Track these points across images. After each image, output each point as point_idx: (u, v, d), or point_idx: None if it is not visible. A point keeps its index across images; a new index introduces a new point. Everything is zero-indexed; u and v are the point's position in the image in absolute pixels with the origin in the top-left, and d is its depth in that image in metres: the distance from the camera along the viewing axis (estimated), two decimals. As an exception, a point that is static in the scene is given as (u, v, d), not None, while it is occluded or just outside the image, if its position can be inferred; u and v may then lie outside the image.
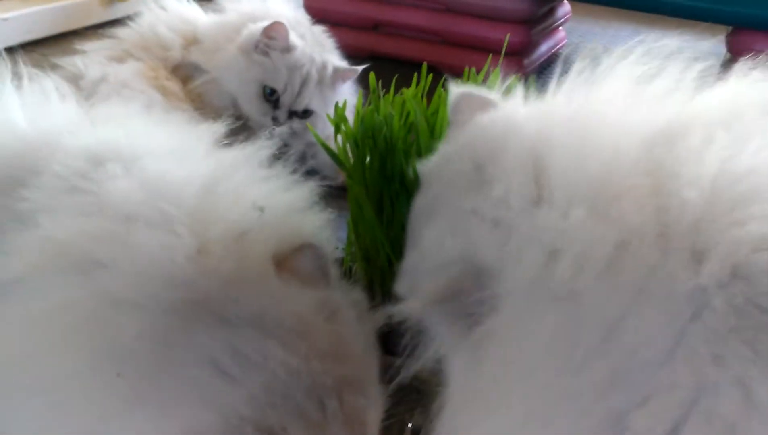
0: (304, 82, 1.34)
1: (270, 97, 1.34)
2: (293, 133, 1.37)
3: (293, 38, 1.36)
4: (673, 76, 0.61)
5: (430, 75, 0.69)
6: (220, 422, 0.56)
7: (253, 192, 0.67)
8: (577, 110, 0.60)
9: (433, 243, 0.60)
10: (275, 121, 1.34)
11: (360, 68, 1.39)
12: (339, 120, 0.65)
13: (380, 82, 0.79)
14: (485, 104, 0.65)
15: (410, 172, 0.63)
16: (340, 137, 0.67)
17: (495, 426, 0.51)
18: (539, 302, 0.51)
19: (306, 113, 1.37)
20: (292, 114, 1.36)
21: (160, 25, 1.39)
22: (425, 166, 0.62)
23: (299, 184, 0.70)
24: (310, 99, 1.36)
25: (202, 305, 0.58)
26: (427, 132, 0.62)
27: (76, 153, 0.65)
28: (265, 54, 1.33)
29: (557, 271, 0.50)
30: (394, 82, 0.69)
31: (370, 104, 0.68)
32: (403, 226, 0.65)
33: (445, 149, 0.63)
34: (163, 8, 1.44)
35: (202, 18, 1.45)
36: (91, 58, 1.32)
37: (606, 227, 0.49)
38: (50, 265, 0.58)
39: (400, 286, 0.65)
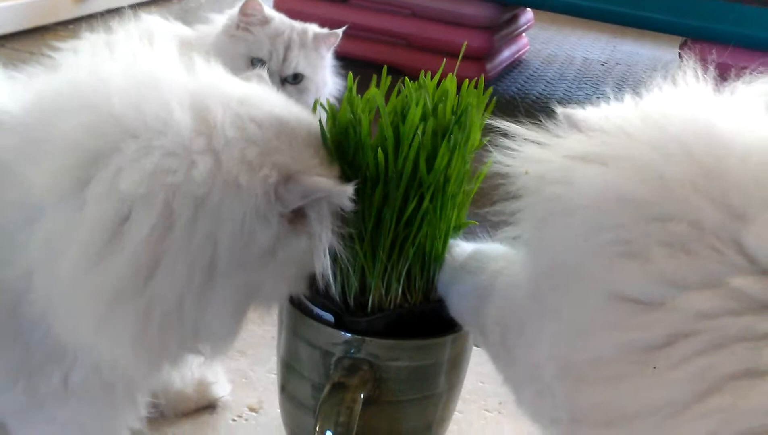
0: (288, 47, 1.41)
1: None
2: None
3: (268, 11, 1.44)
4: None
5: (389, 77, 0.74)
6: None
7: None
8: None
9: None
10: None
11: (340, 32, 1.45)
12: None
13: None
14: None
15: (373, 165, 0.68)
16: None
17: None
18: None
19: (297, 78, 1.44)
20: (284, 81, 1.43)
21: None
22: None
23: None
24: (297, 62, 1.43)
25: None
26: (390, 128, 0.67)
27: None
28: (247, 30, 1.41)
29: None
30: (355, 83, 0.73)
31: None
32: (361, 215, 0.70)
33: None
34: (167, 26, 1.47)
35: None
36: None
37: None
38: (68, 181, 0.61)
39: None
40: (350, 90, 0.72)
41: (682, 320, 0.50)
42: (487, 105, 0.73)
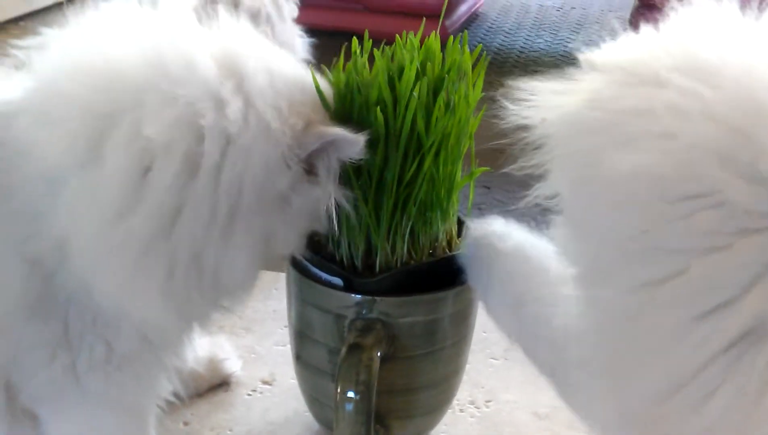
0: (271, 25, 1.36)
1: None
2: None
3: None
4: None
5: (370, 41, 0.74)
6: None
7: None
8: None
9: None
10: None
11: None
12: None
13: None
14: None
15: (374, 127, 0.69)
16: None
17: None
18: None
19: None
20: None
21: None
22: None
23: None
24: (280, 37, 1.37)
25: None
26: (388, 89, 0.69)
27: None
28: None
29: None
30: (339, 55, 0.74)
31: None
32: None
33: None
34: None
35: None
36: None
37: None
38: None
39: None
40: (355, 53, 0.73)
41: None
42: (478, 59, 0.74)
